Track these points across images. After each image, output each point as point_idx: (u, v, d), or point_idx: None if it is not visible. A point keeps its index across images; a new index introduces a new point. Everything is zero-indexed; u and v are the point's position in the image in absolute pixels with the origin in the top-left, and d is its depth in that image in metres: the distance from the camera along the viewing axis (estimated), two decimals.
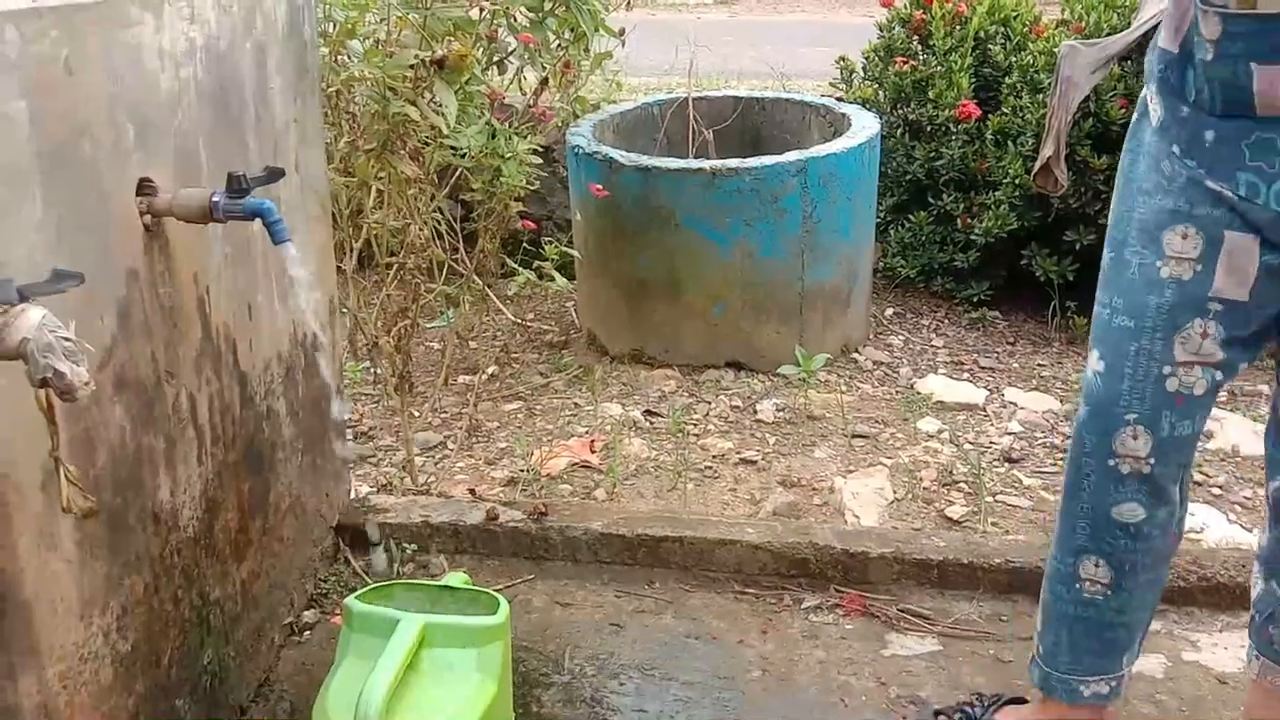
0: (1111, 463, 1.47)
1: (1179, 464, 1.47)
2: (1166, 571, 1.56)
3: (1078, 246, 3.02)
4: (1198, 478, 2.43)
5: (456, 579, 1.70)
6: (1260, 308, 1.36)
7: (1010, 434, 2.63)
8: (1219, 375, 1.41)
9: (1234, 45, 1.28)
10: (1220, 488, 2.40)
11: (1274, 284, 1.35)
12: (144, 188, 1.36)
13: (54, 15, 1.17)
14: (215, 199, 1.37)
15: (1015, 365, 2.99)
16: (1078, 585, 1.54)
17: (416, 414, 2.68)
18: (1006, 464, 2.50)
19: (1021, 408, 2.75)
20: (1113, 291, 1.45)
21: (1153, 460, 1.44)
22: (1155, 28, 1.40)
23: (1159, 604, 1.60)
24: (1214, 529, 2.25)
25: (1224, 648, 1.92)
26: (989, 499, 2.33)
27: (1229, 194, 1.33)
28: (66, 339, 0.98)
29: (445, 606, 1.61)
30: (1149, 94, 1.42)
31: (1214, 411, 2.70)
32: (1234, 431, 2.62)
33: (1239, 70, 1.29)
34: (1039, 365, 2.99)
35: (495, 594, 1.63)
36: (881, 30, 3.53)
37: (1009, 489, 2.39)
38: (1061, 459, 2.55)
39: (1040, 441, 2.60)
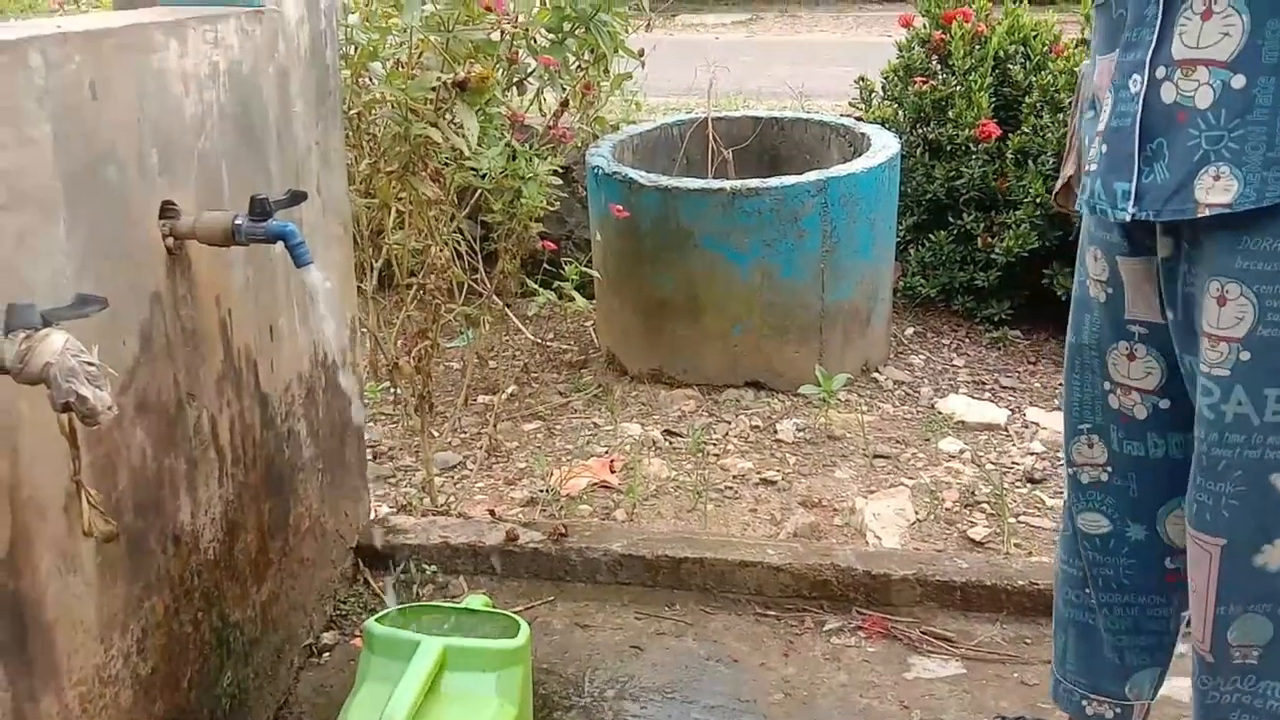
0: (1072, 470, 1.47)
1: (1149, 488, 1.39)
2: (1162, 606, 1.47)
3: None
4: None
5: (477, 601, 1.70)
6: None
7: (1032, 454, 2.61)
8: (1163, 403, 1.34)
9: (1095, 39, 1.27)
10: None
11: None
12: (167, 211, 1.36)
13: (80, 40, 1.18)
14: (237, 222, 1.38)
15: (1037, 385, 2.97)
16: (1087, 590, 1.52)
17: (436, 434, 2.68)
18: (1029, 485, 2.48)
19: (1044, 428, 2.73)
20: (1070, 306, 1.45)
21: (1110, 469, 1.41)
22: None
23: (1167, 643, 1.52)
24: None
25: None
26: (1011, 520, 2.31)
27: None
28: (89, 364, 0.98)
29: (465, 629, 1.60)
30: None
31: None
32: None
33: (1093, 67, 1.27)
34: (1061, 385, 2.96)
35: (515, 617, 1.62)
36: (901, 50, 3.52)
37: (1031, 510, 2.37)
38: None
39: (1063, 462, 2.57)
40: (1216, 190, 1.10)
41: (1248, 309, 1.12)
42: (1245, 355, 1.14)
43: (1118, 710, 1.55)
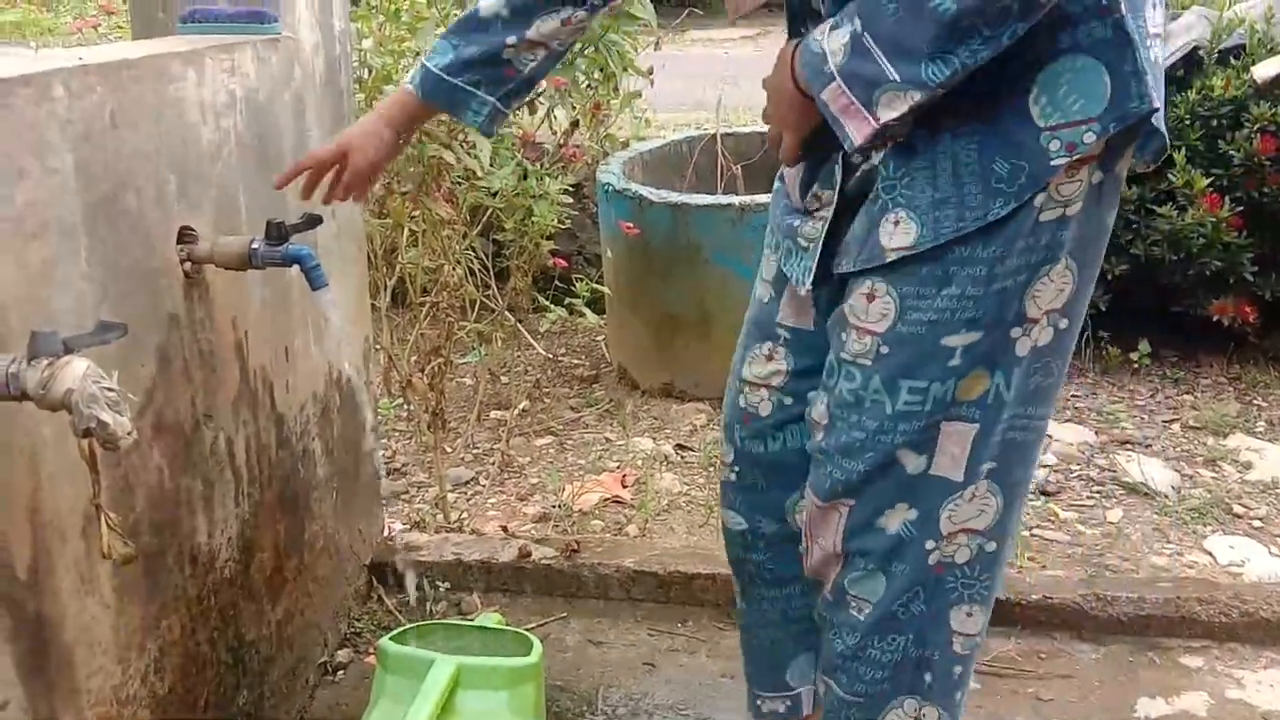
0: (721, 467, 1.53)
1: (775, 483, 1.45)
2: (804, 594, 1.51)
3: (1109, 276, 2.99)
4: (1237, 510, 2.39)
5: (490, 619, 1.71)
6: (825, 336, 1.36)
7: (1045, 466, 2.60)
8: (786, 399, 1.42)
9: None
10: (1261, 520, 2.37)
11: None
12: (185, 236, 1.38)
13: (100, 72, 1.20)
14: (254, 246, 1.40)
15: None
16: (734, 597, 1.59)
17: (449, 450, 2.70)
18: (1042, 497, 2.48)
19: (1056, 439, 2.72)
20: None
21: (737, 469, 1.48)
22: (1182, 60, 1.40)
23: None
24: (1255, 562, 2.20)
25: (1270, 685, 1.89)
26: (1025, 533, 2.31)
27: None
28: (110, 389, 0.99)
29: (479, 647, 1.61)
30: None
31: (1251, 442, 2.71)
32: (1274, 462, 2.58)
33: None
34: (1073, 396, 2.96)
35: (528, 634, 1.63)
36: None
37: (1045, 523, 2.37)
38: (1098, 491, 2.53)
39: (1076, 474, 2.57)
40: (898, 235, 1.20)
41: (890, 307, 1.22)
42: (885, 349, 1.24)
43: (788, 703, 1.58)
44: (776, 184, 1.44)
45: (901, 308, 1.21)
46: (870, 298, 1.23)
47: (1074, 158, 1.14)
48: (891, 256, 1.20)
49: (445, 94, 1.40)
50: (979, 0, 1.05)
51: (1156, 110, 1.15)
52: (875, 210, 1.22)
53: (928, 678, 1.38)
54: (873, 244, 1.21)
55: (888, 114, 1.12)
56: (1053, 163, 1.14)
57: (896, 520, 1.30)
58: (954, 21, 1.06)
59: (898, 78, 1.10)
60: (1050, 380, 1.29)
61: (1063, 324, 1.26)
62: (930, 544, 1.32)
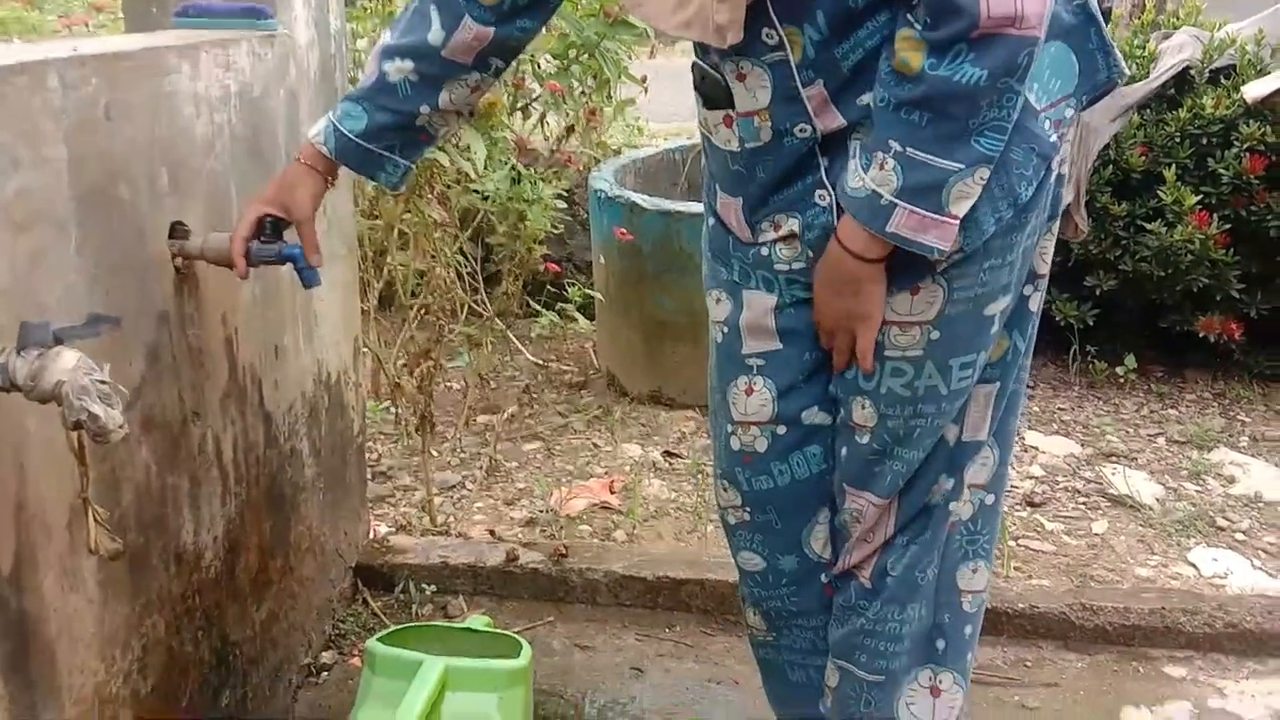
0: (720, 513, 1.50)
1: (789, 516, 1.43)
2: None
3: (1098, 291, 3.02)
4: (1220, 523, 2.41)
5: (478, 621, 1.70)
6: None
7: (1032, 478, 2.61)
8: (779, 429, 1.38)
9: (718, 178, 1.35)
10: (1244, 533, 2.38)
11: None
12: (176, 231, 1.37)
13: (96, 63, 1.19)
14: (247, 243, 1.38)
15: (1035, 409, 2.98)
16: (749, 631, 1.57)
17: (436, 454, 2.68)
18: (1029, 508, 2.49)
19: (1043, 451, 2.74)
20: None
21: (748, 510, 1.45)
22: (1173, 79, 1.42)
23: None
24: (1238, 575, 2.23)
25: (1251, 695, 1.90)
26: (1011, 543, 2.31)
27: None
28: (102, 382, 0.98)
29: (467, 649, 1.60)
30: None
31: (1235, 456, 2.73)
32: (1257, 477, 2.60)
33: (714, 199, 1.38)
34: (1059, 409, 2.98)
35: (517, 637, 1.62)
36: None
37: (1031, 533, 2.38)
38: (1084, 503, 2.54)
39: (1062, 485, 2.58)
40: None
41: (938, 294, 1.24)
42: (935, 334, 1.26)
43: None
44: (708, 223, 1.41)
45: (949, 290, 1.23)
46: (915, 292, 1.24)
47: (1061, 132, 1.23)
48: (944, 265, 1.21)
49: (359, 157, 1.38)
50: (1004, 58, 1.07)
51: (1126, 77, 1.26)
52: None
53: (940, 644, 1.41)
54: (917, 259, 1.20)
55: (962, 206, 1.14)
56: (1052, 139, 1.22)
57: (940, 492, 1.35)
58: (989, 87, 1.08)
59: (962, 164, 1.11)
60: (1035, 331, 1.36)
61: (1047, 275, 1.34)
62: (952, 505, 1.36)
